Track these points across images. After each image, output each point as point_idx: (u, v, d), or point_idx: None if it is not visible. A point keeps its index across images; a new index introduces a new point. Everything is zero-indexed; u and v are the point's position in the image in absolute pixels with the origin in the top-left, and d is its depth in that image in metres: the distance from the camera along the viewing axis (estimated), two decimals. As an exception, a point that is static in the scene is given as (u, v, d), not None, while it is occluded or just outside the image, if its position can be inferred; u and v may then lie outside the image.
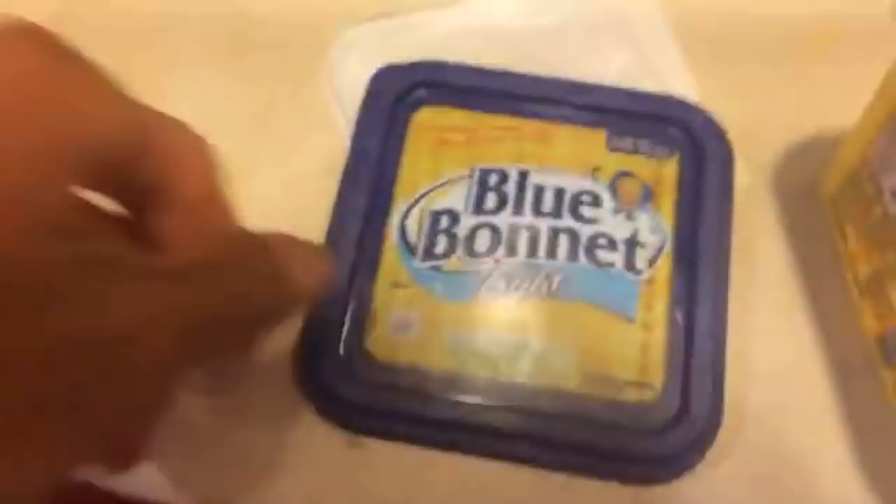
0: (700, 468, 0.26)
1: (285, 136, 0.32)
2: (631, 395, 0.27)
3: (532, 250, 0.28)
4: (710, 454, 0.26)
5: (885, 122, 0.26)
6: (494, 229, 0.29)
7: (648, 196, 0.29)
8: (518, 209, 0.29)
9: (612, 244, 0.28)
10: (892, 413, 0.27)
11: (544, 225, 0.29)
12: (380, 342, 0.27)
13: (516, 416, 0.26)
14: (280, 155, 0.31)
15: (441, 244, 0.28)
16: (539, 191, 0.29)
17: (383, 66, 0.31)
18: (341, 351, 0.27)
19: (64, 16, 0.33)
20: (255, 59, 0.33)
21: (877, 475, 0.27)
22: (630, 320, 0.28)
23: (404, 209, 0.29)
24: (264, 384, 0.27)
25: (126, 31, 0.33)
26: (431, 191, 0.29)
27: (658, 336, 0.27)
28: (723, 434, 0.26)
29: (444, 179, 0.29)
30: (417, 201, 0.29)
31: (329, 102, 0.32)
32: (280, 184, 0.31)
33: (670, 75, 0.33)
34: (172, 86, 0.32)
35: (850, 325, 0.28)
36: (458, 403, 0.26)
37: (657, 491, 0.26)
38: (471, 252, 0.28)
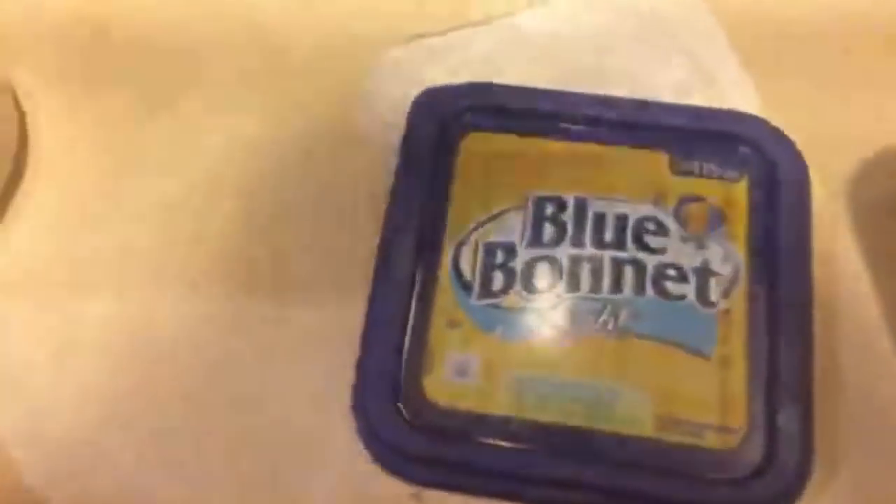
0: (789, 519, 0.24)
1: (323, 166, 0.30)
2: (710, 441, 0.25)
3: (595, 284, 0.27)
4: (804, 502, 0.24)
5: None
6: (554, 262, 0.27)
7: (719, 221, 0.27)
8: (578, 240, 0.27)
9: (681, 275, 0.27)
10: None
11: (607, 256, 0.27)
12: (438, 387, 0.25)
13: (585, 465, 0.25)
14: (319, 187, 0.30)
15: (498, 280, 0.27)
16: (599, 219, 0.28)
17: (425, 89, 0.30)
18: (398, 397, 0.25)
19: (94, 42, 0.32)
20: (288, 84, 0.32)
21: None
22: (706, 357, 0.26)
23: (456, 244, 0.27)
24: (323, 431, 0.26)
25: (150, 51, 0.32)
26: (484, 223, 0.28)
27: (738, 374, 0.25)
28: (813, 480, 0.24)
29: (498, 210, 0.28)
30: (470, 234, 0.27)
31: (369, 129, 0.31)
32: (318, 222, 0.29)
33: (730, 86, 0.31)
34: (197, 111, 0.31)
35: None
36: (524, 452, 0.25)
37: (743, 544, 0.25)
38: (530, 287, 0.27)
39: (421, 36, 0.32)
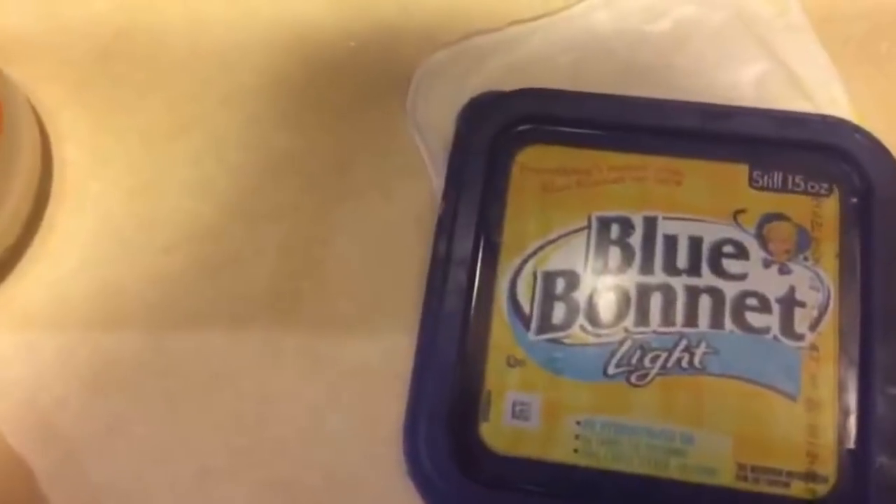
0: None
1: (364, 186, 0.30)
2: (797, 490, 0.24)
3: (667, 317, 0.26)
4: (899, 560, 0.24)
5: None
6: (621, 292, 0.27)
7: (806, 243, 0.27)
8: (647, 266, 0.27)
9: (764, 305, 0.26)
10: None
11: (680, 284, 0.26)
12: (496, 432, 0.25)
13: (659, 515, 0.25)
14: (360, 209, 0.30)
15: (559, 312, 0.26)
16: (671, 242, 0.27)
17: (472, 98, 0.29)
18: (453, 444, 0.25)
19: (115, 53, 0.32)
20: (324, 93, 0.31)
21: None
22: (792, 398, 0.25)
23: (512, 272, 0.27)
24: (372, 480, 0.26)
25: (177, 60, 0.32)
26: (542, 248, 0.27)
27: (828, 416, 0.25)
28: (913, 535, 0.24)
29: (558, 233, 0.27)
30: (526, 262, 0.27)
31: (414, 143, 0.30)
32: (361, 246, 0.29)
33: (818, 88, 0.30)
34: (229, 123, 0.31)
35: None
36: (591, 504, 0.25)
37: None
38: (595, 321, 0.26)
39: (470, 35, 0.31)
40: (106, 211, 0.30)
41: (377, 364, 0.28)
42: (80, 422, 0.28)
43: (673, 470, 0.25)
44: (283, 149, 0.31)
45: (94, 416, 0.28)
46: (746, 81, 0.30)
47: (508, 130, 0.29)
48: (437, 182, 0.29)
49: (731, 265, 0.27)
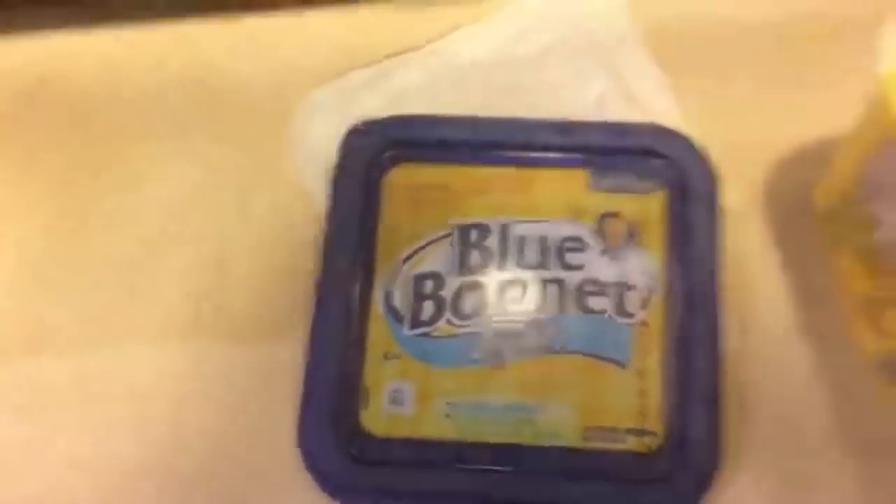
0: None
1: (262, 212, 0.34)
2: (633, 444, 0.29)
3: (522, 306, 0.30)
4: (714, 495, 0.28)
5: (874, 149, 0.27)
6: (481, 288, 0.31)
7: (635, 234, 0.31)
8: (503, 264, 0.31)
9: (601, 289, 0.31)
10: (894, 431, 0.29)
11: (532, 277, 0.31)
12: (375, 418, 0.30)
13: (522, 479, 0.29)
14: (258, 233, 0.34)
15: (428, 309, 0.31)
16: (521, 242, 0.31)
17: (349, 128, 0.34)
18: (338, 432, 0.29)
19: (38, 100, 0.36)
20: (227, 129, 0.36)
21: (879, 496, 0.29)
22: (624, 366, 0.30)
23: (387, 277, 0.31)
24: (275, 471, 0.30)
25: (90, 107, 0.36)
26: (413, 254, 0.32)
27: (655, 380, 0.29)
28: (725, 473, 0.29)
29: (425, 241, 0.32)
30: (400, 267, 0.32)
31: (302, 171, 0.34)
32: (260, 266, 0.33)
33: (650, 99, 0.34)
34: (146, 159, 0.35)
35: (849, 347, 0.30)
36: (462, 473, 0.29)
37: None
38: (459, 314, 0.31)
39: (347, 71, 0.36)
40: (30, 253, 0.34)
41: (276, 372, 0.31)
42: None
43: (526, 437, 0.29)
44: (192, 180, 0.35)
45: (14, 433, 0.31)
46: (590, 98, 0.35)
47: (381, 154, 0.33)
48: (325, 204, 0.33)
49: (573, 258, 0.31)
